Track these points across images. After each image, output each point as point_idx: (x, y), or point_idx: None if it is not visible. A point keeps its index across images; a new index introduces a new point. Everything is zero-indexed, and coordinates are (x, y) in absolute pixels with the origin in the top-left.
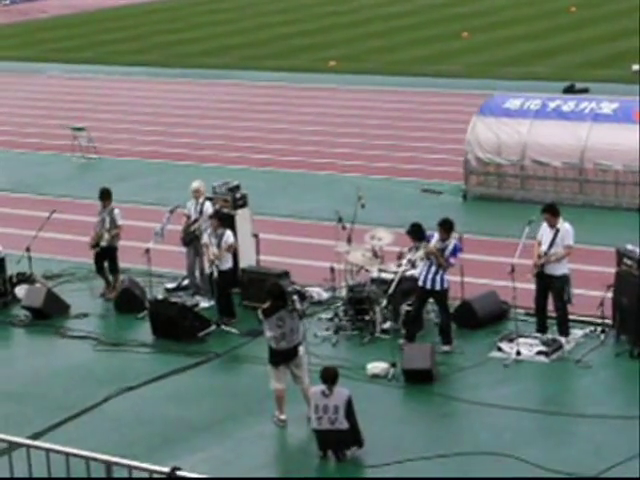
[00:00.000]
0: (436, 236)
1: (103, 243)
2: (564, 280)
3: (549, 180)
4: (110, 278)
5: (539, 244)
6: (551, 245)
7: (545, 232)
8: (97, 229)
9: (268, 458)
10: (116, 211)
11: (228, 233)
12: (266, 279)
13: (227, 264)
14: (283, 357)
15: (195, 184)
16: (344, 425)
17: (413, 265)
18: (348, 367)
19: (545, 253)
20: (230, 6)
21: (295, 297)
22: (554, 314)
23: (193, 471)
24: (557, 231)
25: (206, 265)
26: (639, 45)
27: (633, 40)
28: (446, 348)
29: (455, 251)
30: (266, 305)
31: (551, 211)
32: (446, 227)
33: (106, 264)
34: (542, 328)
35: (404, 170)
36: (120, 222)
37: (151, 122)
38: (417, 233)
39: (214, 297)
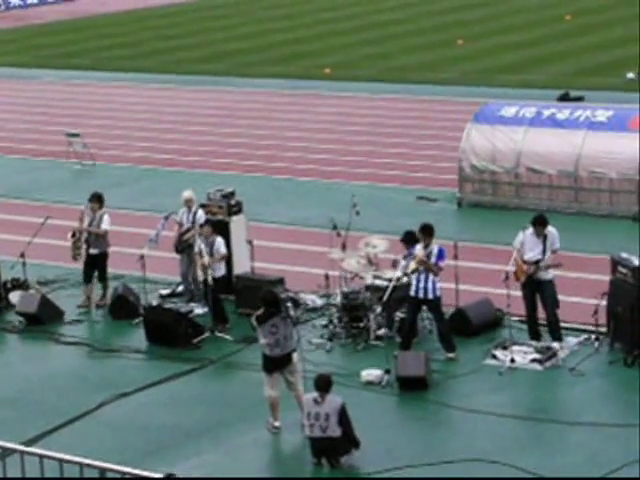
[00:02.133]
0: (419, 245)
1: (92, 251)
2: (553, 284)
3: (544, 188)
4: (100, 286)
5: (518, 251)
6: (544, 252)
7: (529, 240)
8: (85, 231)
9: (262, 465)
10: (105, 216)
11: (219, 241)
12: (261, 286)
13: (220, 271)
14: (277, 364)
15: (186, 194)
16: (336, 433)
17: (407, 276)
18: (342, 374)
19: (537, 261)
20: (226, 13)
21: (289, 304)
22: (544, 321)
23: (187, 477)
24: (545, 237)
25: (199, 273)
26: (638, 53)
27: (628, 48)
28: (451, 355)
29: (441, 255)
30: (260, 312)
31: (543, 223)
32: (427, 232)
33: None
34: (535, 335)
35: (398, 177)
36: (104, 226)
37: (147, 128)
38: (411, 240)
39: (208, 304)
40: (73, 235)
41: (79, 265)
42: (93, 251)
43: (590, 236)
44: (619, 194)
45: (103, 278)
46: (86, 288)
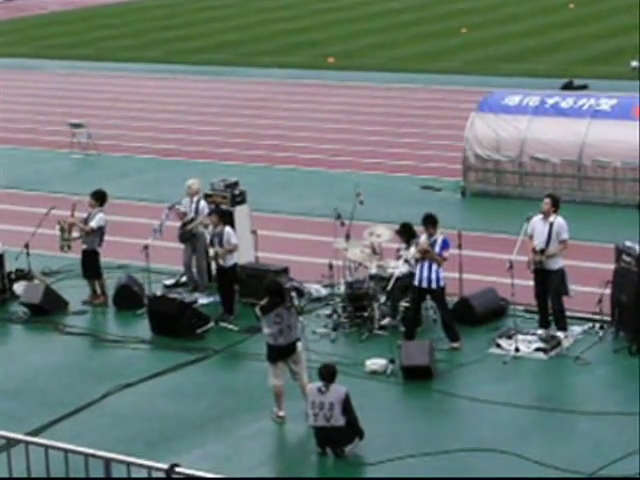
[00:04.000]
0: (423, 235)
1: (83, 246)
2: (561, 274)
3: (548, 177)
4: (96, 284)
5: (530, 238)
6: (548, 241)
7: (537, 226)
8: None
9: (267, 454)
10: (99, 215)
11: (228, 231)
12: (265, 276)
13: (231, 260)
14: (281, 353)
15: (189, 182)
16: (340, 422)
17: (408, 263)
18: (347, 363)
19: (542, 250)
20: (229, 3)
21: (293, 294)
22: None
23: (191, 468)
24: (551, 225)
25: (212, 264)
26: (638, 41)
27: (632, 36)
28: (455, 345)
29: (445, 245)
30: (264, 302)
31: (552, 200)
32: (430, 223)
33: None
34: (545, 323)
35: (402, 166)
36: (92, 224)
37: (150, 119)
38: (407, 232)
39: (220, 293)
40: (61, 228)
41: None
42: (84, 247)
43: (594, 225)
44: (623, 182)
45: (93, 276)
46: (88, 282)
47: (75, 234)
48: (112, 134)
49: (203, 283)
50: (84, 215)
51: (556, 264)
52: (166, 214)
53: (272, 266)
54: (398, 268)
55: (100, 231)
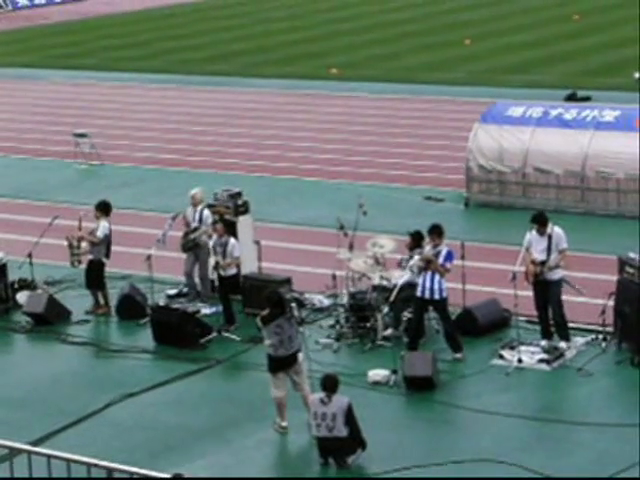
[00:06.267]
0: (428, 245)
1: (89, 256)
2: (561, 284)
3: (551, 188)
4: (99, 295)
5: (527, 250)
6: (548, 252)
7: (535, 239)
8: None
9: (269, 465)
10: (102, 224)
11: (233, 243)
12: (268, 286)
13: (232, 270)
14: (282, 364)
15: (193, 191)
16: (342, 433)
17: (411, 270)
18: (349, 374)
19: (543, 262)
20: (232, 13)
21: (293, 304)
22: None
23: (194, 478)
24: (549, 237)
25: (210, 271)
26: (638, 53)
27: (635, 48)
28: (458, 356)
29: (449, 256)
30: (265, 312)
31: (540, 221)
32: (437, 233)
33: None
34: (547, 334)
35: (405, 177)
36: (97, 233)
37: (154, 129)
38: (417, 240)
39: (222, 302)
40: (70, 244)
41: (86, 265)
42: (90, 257)
43: (597, 236)
44: (626, 194)
45: (96, 286)
46: (91, 293)
47: (84, 245)
48: (116, 144)
49: (206, 293)
50: (92, 225)
51: (556, 274)
52: (169, 224)
53: (275, 276)
54: (402, 277)
55: (106, 240)
